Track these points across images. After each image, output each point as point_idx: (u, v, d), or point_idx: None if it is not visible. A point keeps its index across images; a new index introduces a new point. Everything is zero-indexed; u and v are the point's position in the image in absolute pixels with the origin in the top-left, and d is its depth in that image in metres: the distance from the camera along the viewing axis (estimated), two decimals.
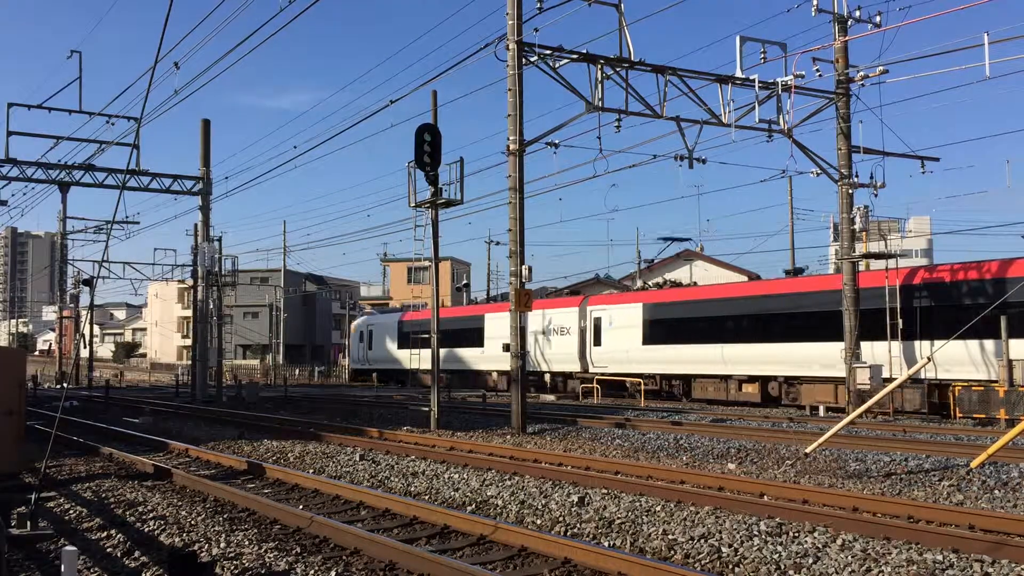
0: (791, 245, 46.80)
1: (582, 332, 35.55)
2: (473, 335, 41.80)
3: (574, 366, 35.90)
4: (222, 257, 35.92)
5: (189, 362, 55.53)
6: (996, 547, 7.79)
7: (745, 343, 28.76)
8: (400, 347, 48.15)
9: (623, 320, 33.48)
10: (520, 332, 20.18)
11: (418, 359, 41.52)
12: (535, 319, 36.84)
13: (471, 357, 41.91)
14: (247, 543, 8.39)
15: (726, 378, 29.49)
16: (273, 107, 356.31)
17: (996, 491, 11.24)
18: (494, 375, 40.78)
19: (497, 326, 38.73)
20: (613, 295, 37.84)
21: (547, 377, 37.85)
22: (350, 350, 56.16)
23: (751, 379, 28.81)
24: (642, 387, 31.85)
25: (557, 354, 36.88)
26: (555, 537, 8.16)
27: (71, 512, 10.27)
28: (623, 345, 33.40)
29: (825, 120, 24.65)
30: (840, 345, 24.54)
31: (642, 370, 32.64)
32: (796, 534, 8.50)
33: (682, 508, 9.87)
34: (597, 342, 34.79)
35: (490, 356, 40.42)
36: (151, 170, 34.99)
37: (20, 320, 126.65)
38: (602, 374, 34.40)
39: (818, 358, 26.23)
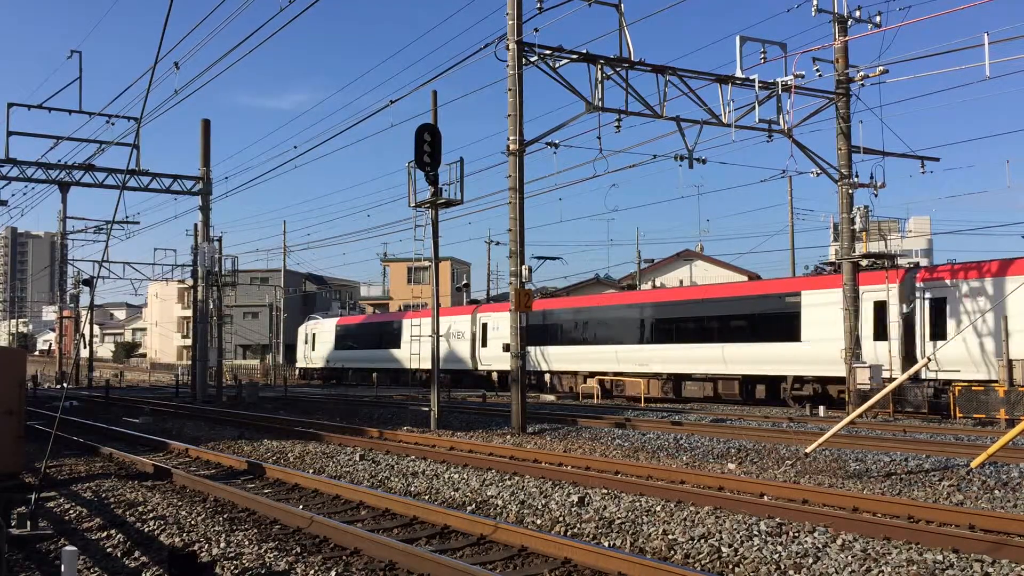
0: (791, 245, 46.84)
1: (473, 336, 42.43)
2: (393, 337, 48.70)
3: (468, 364, 42.42)
4: (222, 257, 35.91)
5: (189, 362, 57.39)
6: (996, 547, 7.79)
7: (586, 345, 35.56)
8: (336, 348, 54.16)
9: (503, 326, 38.27)
10: (521, 332, 20.18)
11: (349, 359, 52.59)
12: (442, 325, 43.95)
13: (393, 356, 48.56)
14: (247, 543, 8.39)
15: (575, 374, 35.97)
16: (273, 107, 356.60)
17: (996, 491, 11.24)
18: (413, 373, 48.73)
19: (411, 330, 47.03)
20: (497, 304, 44.25)
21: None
22: (298, 351, 60.28)
23: (592, 374, 34.72)
24: (493, 378, 41.15)
25: (455, 354, 43.28)
26: (555, 537, 8.16)
27: (71, 512, 10.27)
28: (503, 347, 39.83)
29: (825, 120, 24.66)
30: (639, 347, 32.65)
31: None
32: (796, 534, 8.50)
33: (682, 508, 9.87)
34: (484, 344, 41.62)
35: (405, 356, 46.49)
36: (151, 170, 34.94)
37: (20, 320, 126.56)
38: (487, 370, 41.69)
39: (627, 358, 33.16)
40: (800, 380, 27.35)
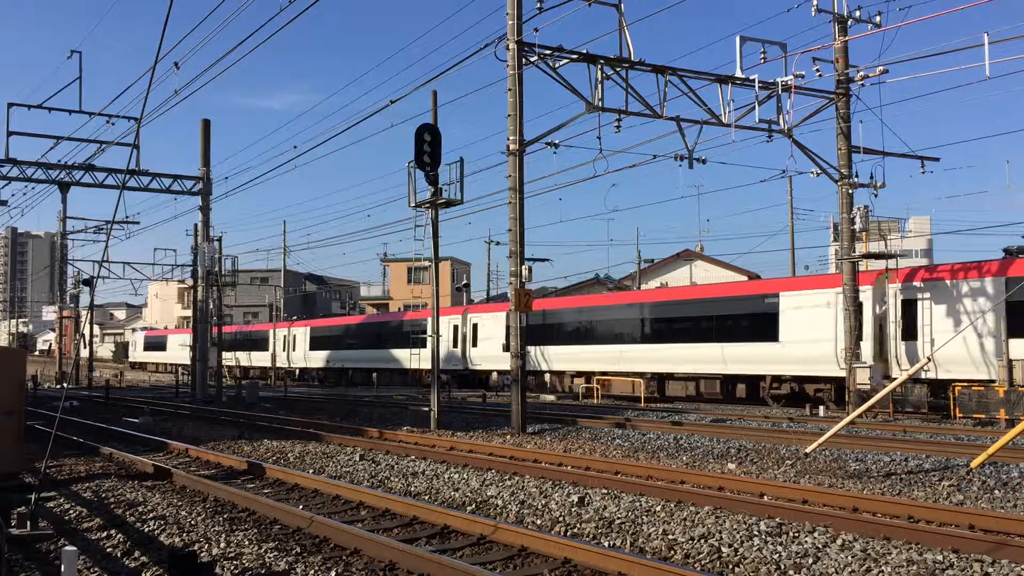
0: (791, 245, 46.81)
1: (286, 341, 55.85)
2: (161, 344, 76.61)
3: (301, 364, 54.53)
4: (222, 257, 35.91)
5: (189, 362, 64.50)
6: (996, 547, 7.79)
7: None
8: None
9: (298, 336, 54.44)
10: (520, 332, 20.18)
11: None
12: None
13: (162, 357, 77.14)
14: (247, 543, 8.39)
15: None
16: (266, 107, 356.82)
17: (996, 491, 11.24)
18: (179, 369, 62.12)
19: (174, 341, 71.45)
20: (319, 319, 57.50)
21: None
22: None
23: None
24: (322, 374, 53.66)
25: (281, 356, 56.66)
26: (555, 537, 8.16)
27: (71, 512, 10.27)
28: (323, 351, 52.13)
29: (825, 120, 24.66)
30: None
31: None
32: (796, 534, 8.50)
33: (682, 508, 9.86)
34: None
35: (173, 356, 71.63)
36: (151, 170, 34.99)
37: (20, 320, 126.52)
38: (316, 368, 52.34)
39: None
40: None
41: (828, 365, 25.66)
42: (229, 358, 60.70)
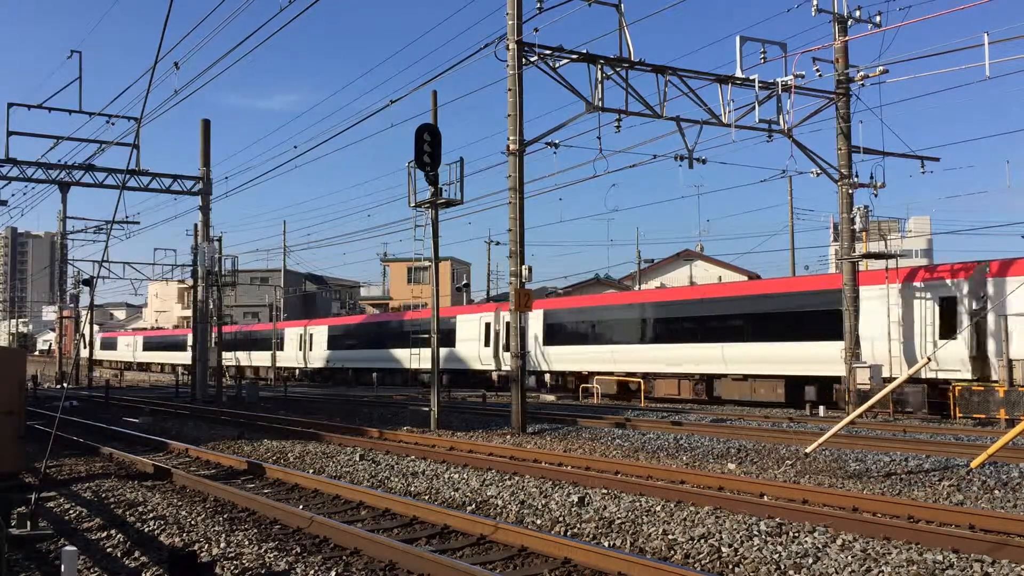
0: (791, 245, 46.84)
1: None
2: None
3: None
4: (222, 257, 35.89)
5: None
6: (996, 547, 7.79)
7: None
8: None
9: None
10: (521, 332, 20.18)
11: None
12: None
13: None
14: (247, 543, 8.39)
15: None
16: (264, 108, 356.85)
17: (996, 491, 11.24)
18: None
19: (122, 342, 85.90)
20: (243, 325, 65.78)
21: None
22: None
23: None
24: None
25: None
26: (555, 537, 8.16)
27: (71, 512, 10.27)
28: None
29: (825, 120, 24.66)
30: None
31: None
32: (796, 534, 8.50)
33: (682, 508, 9.86)
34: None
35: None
36: (151, 170, 34.96)
37: (20, 320, 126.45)
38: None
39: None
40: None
41: (475, 363, 39.79)
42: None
